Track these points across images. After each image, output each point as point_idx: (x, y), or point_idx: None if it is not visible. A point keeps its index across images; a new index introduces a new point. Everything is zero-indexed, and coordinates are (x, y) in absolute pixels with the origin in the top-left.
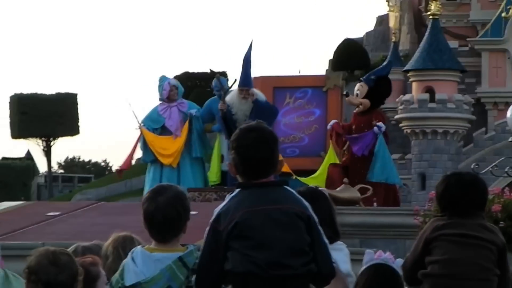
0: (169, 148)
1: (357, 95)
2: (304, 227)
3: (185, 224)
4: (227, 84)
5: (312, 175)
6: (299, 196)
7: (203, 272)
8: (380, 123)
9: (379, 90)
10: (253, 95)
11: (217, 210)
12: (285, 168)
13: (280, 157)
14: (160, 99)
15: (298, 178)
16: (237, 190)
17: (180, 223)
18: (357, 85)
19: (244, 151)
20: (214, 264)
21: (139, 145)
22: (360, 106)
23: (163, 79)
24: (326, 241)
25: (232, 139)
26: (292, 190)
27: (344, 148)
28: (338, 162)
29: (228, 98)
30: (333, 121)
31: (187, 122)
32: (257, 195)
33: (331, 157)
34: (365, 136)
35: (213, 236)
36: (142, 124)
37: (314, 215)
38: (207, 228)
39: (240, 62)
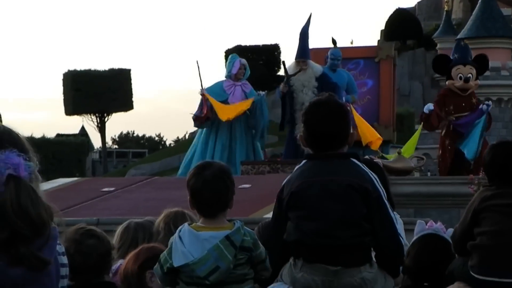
0: (232, 109)
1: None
2: (360, 199)
3: (232, 198)
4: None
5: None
6: (364, 169)
7: (272, 241)
8: (489, 102)
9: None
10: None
11: (285, 180)
12: (374, 146)
13: (362, 122)
14: (227, 76)
15: (384, 155)
16: (304, 161)
17: (228, 197)
18: (468, 69)
19: (311, 125)
20: (279, 232)
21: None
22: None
23: (234, 56)
24: (392, 215)
25: (302, 112)
26: (359, 163)
27: (444, 133)
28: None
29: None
30: (431, 105)
31: (252, 98)
32: (317, 167)
33: (416, 138)
34: (475, 117)
35: (278, 205)
36: (204, 90)
37: (379, 189)
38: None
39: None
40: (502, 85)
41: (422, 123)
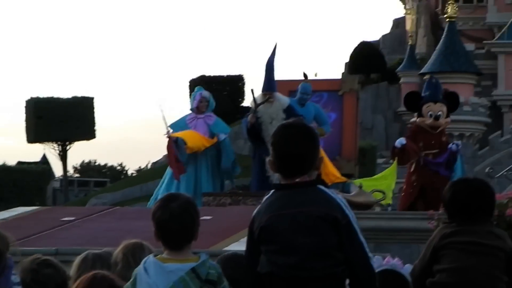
0: (195, 140)
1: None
2: (330, 229)
3: (197, 230)
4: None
5: (373, 177)
6: (332, 196)
7: (247, 272)
8: (459, 142)
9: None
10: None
11: (254, 211)
12: (336, 176)
13: (322, 154)
14: (191, 109)
15: (353, 181)
16: (272, 191)
17: (194, 229)
18: (438, 106)
19: (278, 147)
20: (253, 264)
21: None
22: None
23: (197, 90)
24: (363, 240)
25: (271, 135)
26: (325, 190)
27: (412, 170)
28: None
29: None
30: (403, 140)
31: (215, 138)
32: (285, 198)
33: (393, 171)
34: (447, 158)
35: (250, 237)
36: (170, 130)
37: (348, 214)
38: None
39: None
40: (464, 121)
41: (396, 158)
